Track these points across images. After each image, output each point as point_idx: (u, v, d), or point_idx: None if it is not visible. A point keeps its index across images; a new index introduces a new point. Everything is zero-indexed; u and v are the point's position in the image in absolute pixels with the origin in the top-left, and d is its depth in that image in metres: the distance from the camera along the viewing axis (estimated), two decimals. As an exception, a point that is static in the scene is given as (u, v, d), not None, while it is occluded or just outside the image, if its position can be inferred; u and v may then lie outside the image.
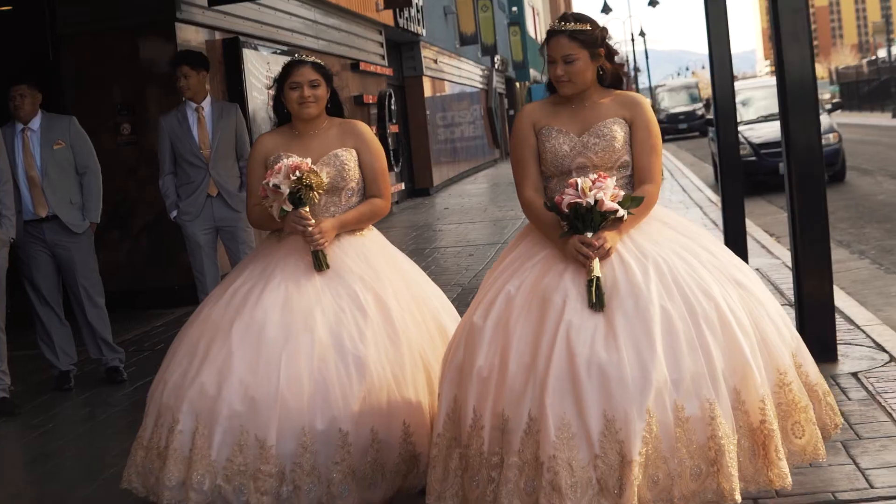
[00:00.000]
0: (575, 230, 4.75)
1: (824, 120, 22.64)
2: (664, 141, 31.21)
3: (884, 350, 7.40)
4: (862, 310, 8.91)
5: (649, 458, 4.29)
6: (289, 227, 5.40)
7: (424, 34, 28.14)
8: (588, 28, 5.05)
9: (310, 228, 5.33)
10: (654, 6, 54.54)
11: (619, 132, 5.02)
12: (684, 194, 21.74)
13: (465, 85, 37.92)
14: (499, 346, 4.67)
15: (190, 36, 13.05)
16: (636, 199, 4.83)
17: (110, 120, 12.48)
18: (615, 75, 5.17)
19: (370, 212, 5.65)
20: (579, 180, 4.76)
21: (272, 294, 5.23)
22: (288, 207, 5.33)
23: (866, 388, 6.54)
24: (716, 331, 4.50)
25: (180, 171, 8.88)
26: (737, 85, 23.76)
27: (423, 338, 5.33)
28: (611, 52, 5.11)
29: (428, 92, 29.54)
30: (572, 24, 5.08)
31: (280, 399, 4.94)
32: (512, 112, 52.60)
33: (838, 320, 8.16)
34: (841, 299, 9.24)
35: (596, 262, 4.64)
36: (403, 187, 25.50)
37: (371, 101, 22.18)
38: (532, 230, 5.10)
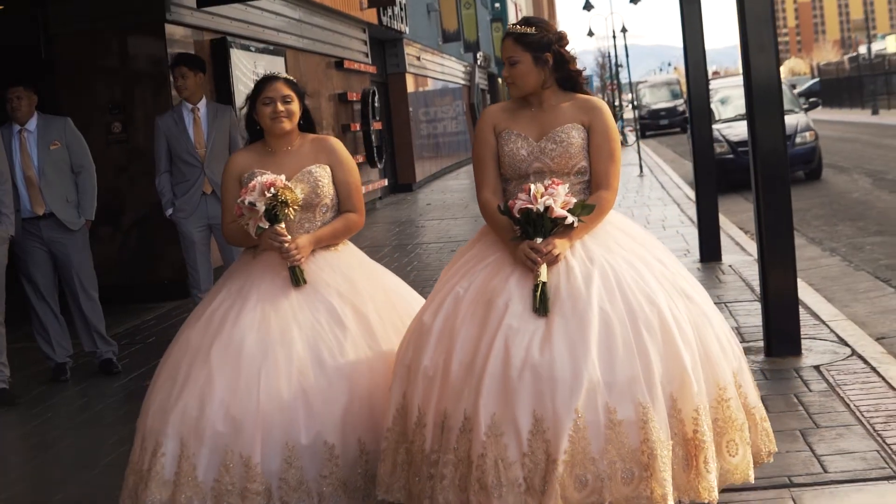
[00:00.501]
0: (526, 235, 4.81)
1: (801, 119, 23.09)
2: (644, 137, 31.77)
3: (846, 345, 7.74)
4: (828, 305, 9.25)
5: (576, 458, 4.32)
6: (265, 244, 5.41)
7: (408, 32, 28.42)
8: (532, 31, 5.09)
9: (286, 245, 5.34)
10: (635, 3, 54.52)
11: (576, 137, 5.04)
12: (663, 191, 22.08)
13: (447, 81, 38.20)
14: (444, 346, 4.73)
15: (179, 36, 13.33)
16: (587, 206, 4.86)
17: (101, 118, 12.74)
18: (572, 80, 5.17)
19: (345, 227, 5.66)
20: (532, 186, 4.84)
21: (249, 314, 5.22)
22: (264, 224, 5.33)
23: (827, 381, 6.88)
24: (656, 337, 4.53)
25: (175, 169, 9.16)
26: (715, 84, 24.17)
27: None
28: (564, 57, 5.11)
29: (411, 88, 29.82)
30: (520, 27, 5.15)
31: (261, 415, 4.94)
32: None
33: (805, 316, 8.54)
34: (809, 295, 9.60)
35: (543, 268, 4.71)
36: (386, 183, 25.78)
37: (355, 99, 22.45)
38: (489, 231, 5.15)
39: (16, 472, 6.91)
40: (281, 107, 5.53)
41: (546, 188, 4.80)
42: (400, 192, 27.77)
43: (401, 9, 26.83)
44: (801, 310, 8.64)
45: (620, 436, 4.35)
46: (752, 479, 4.70)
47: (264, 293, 5.30)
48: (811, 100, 29.30)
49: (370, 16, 23.75)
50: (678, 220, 16.71)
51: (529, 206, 4.78)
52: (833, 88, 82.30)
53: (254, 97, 5.64)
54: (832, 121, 55.90)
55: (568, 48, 5.16)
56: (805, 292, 9.74)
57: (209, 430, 4.94)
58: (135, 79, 13.09)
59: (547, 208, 4.75)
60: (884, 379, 6.84)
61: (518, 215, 4.82)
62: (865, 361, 7.28)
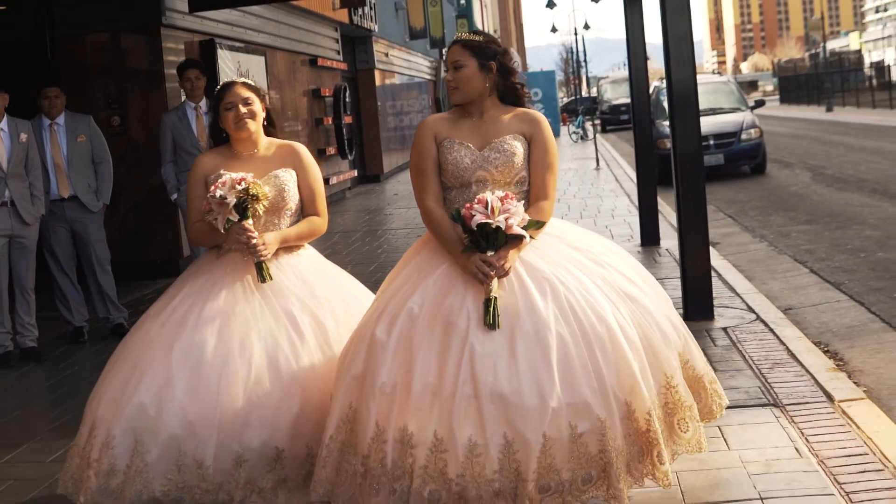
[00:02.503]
0: (477, 247, 4.89)
1: (747, 116, 24.38)
2: (605, 132, 33.22)
3: (753, 312, 9.16)
4: (745, 282, 10.68)
5: (542, 473, 4.58)
6: (232, 240, 5.49)
7: (376, 29, 29.52)
8: (479, 39, 5.25)
9: (253, 240, 5.41)
10: (596, 2, 55.99)
11: (518, 148, 5.16)
12: (616, 183, 23.38)
13: (414, 76, 39.20)
14: (402, 363, 4.78)
15: (172, 38, 14.50)
16: (539, 223, 5.02)
17: (101, 113, 13.75)
18: (513, 92, 5.31)
19: (309, 229, 5.73)
20: (489, 198, 4.88)
21: (211, 317, 5.31)
22: (234, 217, 5.38)
23: (730, 338, 8.29)
24: (607, 352, 4.72)
25: (179, 159, 10.42)
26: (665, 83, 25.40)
27: None
28: (507, 70, 5.25)
29: (379, 83, 30.88)
30: (468, 34, 5.31)
31: (217, 422, 5.04)
32: None
33: (724, 289, 10.05)
34: (730, 273, 11.09)
35: (494, 282, 4.80)
36: (356, 174, 26.95)
37: (328, 94, 23.60)
38: (429, 240, 5.22)
39: (47, 414, 8.04)
40: (243, 109, 5.63)
41: (503, 202, 4.87)
42: (368, 183, 28.90)
43: (370, 8, 27.92)
44: (721, 284, 10.18)
45: (581, 447, 4.61)
46: (705, 449, 5.11)
47: (226, 295, 5.40)
48: (757, 99, 30.70)
49: (342, 15, 24.94)
50: (627, 209, 18.04)
51: (488, 220, 4.84)
52: (791, 85, 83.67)
53: (216, 105, 5.74)
54: (787, 117, 57.29)
55: (512, 64, 5.35)
56: (727, 271, 11.26)
57: (165, 431, 5.05)
58: (132, 77, 14.24)
59: (506, 225, 4.84)
60: (778, 337, 8.23)
61: (474, 227, 4.87)
62: (766, 325, 8.68)
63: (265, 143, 5.78)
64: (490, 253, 4.85)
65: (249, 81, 5.82)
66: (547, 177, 5.19)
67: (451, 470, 4.58)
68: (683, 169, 8.76)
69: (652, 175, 13.49)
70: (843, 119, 49.60)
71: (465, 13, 54.24)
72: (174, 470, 5.02)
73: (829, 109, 59.93)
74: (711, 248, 10.07)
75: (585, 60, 45.86)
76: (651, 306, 5.07)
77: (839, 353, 8.21)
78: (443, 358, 4.73)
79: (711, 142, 23.24)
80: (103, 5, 13.93)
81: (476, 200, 4.89)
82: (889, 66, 64.26)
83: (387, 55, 32.49)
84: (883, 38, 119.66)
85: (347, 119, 24.81)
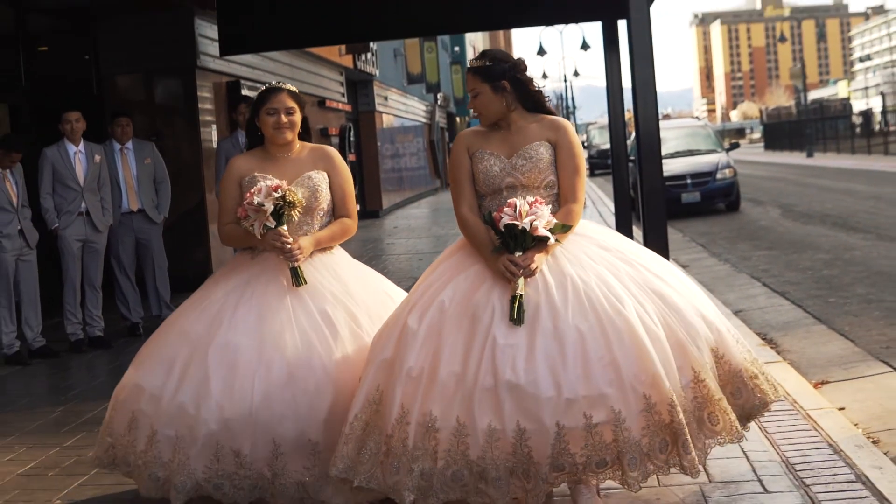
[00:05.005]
0: (506, 247, 5.06)
1: (722, 157, 26.14)
2: (594, 175, 35.10)
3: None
4: (706, 293, 12.42)
5: (555, 456, 4.73)
6: (268, 245, 5.60)
7: (377, 74, 31.33)
8: (486, 63, 5.36)
9: (288, 245, 5.53)
10: (585, 49, 57.98)
11: (544, 154, 5.28)
12: (601, 219, 24.99)
13: (410, 119, 40.87)
14: (430, 351, 4.94)
15: (205, 79, 16.23)
16: (565, 227, 5.14)
17: (142, 143, 15.59)
18: (534, 100, 5.41)
19: (341, 230, 5.83)
20: (518, 202, 5.07)
21: (246, 316, 5.43)
22: (271, 224, 5.52)
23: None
24: (625, 345, 4.78)
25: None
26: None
27: None
28: (521, 81, 5.37)
29: (379, 125, 32.59)
30: (477, 62, 5.41)
31: (253, 417, 5.17)
32: (452, 145, 55.40)
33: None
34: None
35: (521, 281, 4.95)
36: (358, 208, 28.51)
37: (334, 133, 25.37)
38: (465, 244, 5.36)
39: (109, 391, 9.62)
40: (284, 118, 5.73)
41: (531, 206, 5.06)
42: (368, 218, 30.35)
43: (372, 54, 29.70)
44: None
45: (595, 436, 4.72)
46: (741, 436, 5.08)
47: (261, 294, 5.53)
48: (732, 142, 32.57)
49: (347, 60, 26.78)
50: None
51: (515, 221, 5.02)
52: (776, 132, 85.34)
53: (258, 105, 5.81)
54: (769, 162, 59.14)
55: (527, 73, 5.45)
56: (690, 282, 12.98)
57: (203, 428, 5.20)
58: (170, 111, 16.00)
59: (532, 227, 5.01)
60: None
61: (502, 228, 5.06)
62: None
63: (298, 146, 5.91)
64: (518, 253, 5.03)
65: (294, 90, 5.91)
66: (574, 180, 5.31)
67: (473, 452, 4.74)
68: (648, 205, 9.09)
69: (627, 212, 14.21)
70: (822, 164, 51.45)
71: (459, 60, 55.62)
72: (213, 460, 5.19)
73: (809, 155, 61.55)
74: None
75: (575, 107, 47.38)
76: (680, 302, 5.10)
77: (774, 340, 9.98)
78: (468, 349, 4.88)
79: (689, 181, 25.29)
80: (145, 49, 15.62)
81: (507, 204, 5.12)
82: (874, 112, 66.22)
83: (386, 99, 34.14)
84: (867, 88, 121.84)
85: (352, 157, 26.49)
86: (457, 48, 56.09)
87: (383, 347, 5.13)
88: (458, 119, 59.11)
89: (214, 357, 5.32)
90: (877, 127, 61.76)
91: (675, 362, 4.88)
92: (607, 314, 4.87)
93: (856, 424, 6.83)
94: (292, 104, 5.78)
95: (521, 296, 4.90)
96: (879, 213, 21.95)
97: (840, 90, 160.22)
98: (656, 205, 9.03)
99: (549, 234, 5.02)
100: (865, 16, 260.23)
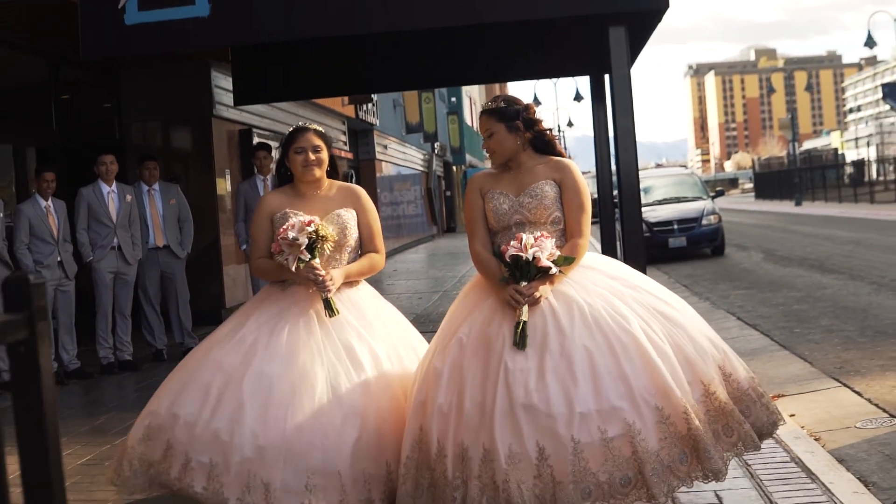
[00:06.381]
0: (513, 277, 5.25)
1: (708, 204, 27.18)
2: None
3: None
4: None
5: (578, 476, 4.75)
6: (302, 277, 5.72)
7: (378, 123, 32.33)
8: (501, 105, 5.60)
9: (321, 277, 5.65)
10: (578, 101, 59.25)
11: (549, 192, 5.48)
12: (591, 261, 26.16)
13: (409, 168, 41.86)
14: (455, 386, 5.10)
15: (219, 127, 17.31)
16: (568, 259, 5.31)
17: (161, 187, 16.65)
18: (543, 140, 5.64)
19: (370, 265, 5.97)
20: (525, 236, 5.29)
21: (279, 348, 5.52)
22: (305, 257, 5.65)
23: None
24: (633, 360, 4.91)
25: (249, 220, 12.87)
26: (639, 175, 28.03)
27: (406, 384, 5.57)
28: (532, 121, 5.60)
29: (379, 173, 33.61)
30: (491, 104, 5.63)
31: (285, 446, 5.23)
32: (448, 193, 55.81)
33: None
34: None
35: (525, 308, 5.11)
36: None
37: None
38: (480, 281, 5.58)
39: (138, 410, 10.68)
40: (312, 156, 5.88)
41: (536, 240, 5.27)
42: (367, 262, 31.49)
43: (373, 104, 30.75)
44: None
45: (614, 451, 4.78)
46: (758, 447, 5.20)
47: (292, 329, 5.62)
48: (717, 189, 33.70)
49: (349, 110, 27.85)
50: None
51: (520, 253, 5.23)
52: (766, 182, 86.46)
53: (287, 145, 5.97)
54: (757, 210, 60.29)
55: (536, 115, 5.67)
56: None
57: (237, 455, 5.26)
58: (187, 156, 17.07)
59: (535, 258, 5.21)
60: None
61: (508, 259, 5.27)
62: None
63: (327, 185, 6.02)
64: (523, 283, 5.22)
65: (320, 129, 6.06)
66: (579, 217, 5.50)
67: (498, 477, 4.81)
68: (627, 248, 9.39)
69: (613, 254, 14.18)
70: (809, 212, 52.68)
71: (456, 110, 56.67)
72: (244, 491, 5.23)
73: (797, 204, 62.81)
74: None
75: (570, 156, 48.07)
76: (685, 322, 5.28)
77: (741, 363, 11.04)
78: (485, 377, 5.03)
79: (675, 226, 26.38)
80: (164, 98, 16.73)
81: (514, 238, 5.38)
82: (868, 162, 67.53)
83: (385, 147, 35.18)
84: (857, 139, 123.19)
85: (354, 203, 27.36)
86: (453, 99, 56.97)
87: (418, 391, 5.31)
88: (454, 168, 59.84)
89: (249, 386, 5.42)
90: (873, 177, 62.83)
91: (684, 377, 4.99)
92: (613, 332, 5.01)
93: (803, 427, 7.89)
94: (319, 142, 5.94)
95: (524, 322, 5.08)
96: (855, 256, 23.04)
97: (833, 140, 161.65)
98: (636, 243, 9.40)
99: (551, 264, 5.22)
100: (858, 66, 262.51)
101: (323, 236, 5.66)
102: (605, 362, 4.92)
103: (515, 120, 5.55)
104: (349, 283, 5.87)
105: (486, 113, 5.64)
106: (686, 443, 4.87)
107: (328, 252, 5.76)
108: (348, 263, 5.90)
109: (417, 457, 5.19)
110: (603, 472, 4.77)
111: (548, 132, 5.68)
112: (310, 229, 5.64)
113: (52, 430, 2.27)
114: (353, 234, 5.90)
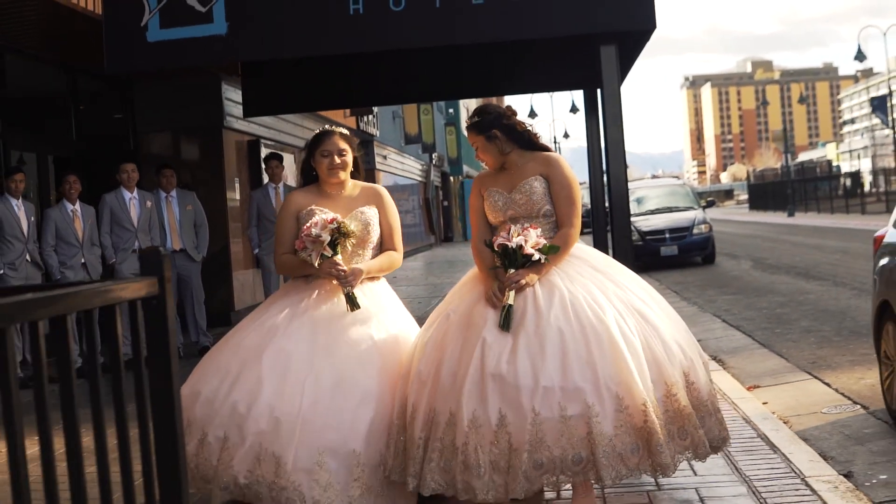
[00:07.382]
0: (503, 265, 5.54)
1: (699, 214, 27.92)
2: (584, 233, 35.59)
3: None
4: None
5: (533, 445, 4.99)
6: (324, 272, 5.83)
7: (378, 134, 32.99)
8: (476, 119, 5.87)
9: (343, 272, 5.77)
10: (574, 112, 60.07)
11: (538, 187, 5.72)
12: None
13: (407, 178, 42.53)
14: (435, 357, 5.40)
15: (229, 138, 18.01)
16: (553, 248, 5.53)
17: (173, 194, 17.34)
18: (524, 138, 5.86)
19: (389, 262, 6.10)
20: (512, 227, 5.61)
21: (300, 328, 5.67)
22: (328, 253, 5.75)
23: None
24: (603, 348, 5.13)
25: (261, 226, 13.88)
26: (633, 185, 28.87)
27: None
28: (511, 125, 5.83)
29: (378, 183, 33.98)
30: (469, 119, 5.92)
31: (301, 420, 5.33)
32: (446, 203, 56.43)
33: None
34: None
35: (511, 293, 5.38)
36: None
37: (338, 189, 26.98)
38: (477, 273, 5.87)
39: None
40: (337, 159, 5.98)
41: (522, 230, 5.54)
42: (368, 269, 32.15)
43: (373, 116, 31.45)
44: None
45: (571, 428, 5.00)
46: (708, 454, 5.47)
47: (315, 311, 5.78)
48: (708, 200, 34.46)
49: (350, 122, 28.48)
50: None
51: (507, 242, 5.52)
52: (760, 193, 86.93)
53: (313, 147, 6.08)
54: (750, 221, 60.92)
55: (515, 117, 5.90)
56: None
57: (252, 426, 5.35)
58: (198, 165, 17.75)
59: (520, 246, 5.47)
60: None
61: (497, 249, 5.58)
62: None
63: (350, 185, 6.15)
64: (511, 270, 5.52)
65: (346, 132, 6.19)
66: (568, 209, 5.75)
67: (458, 440, 5.07)
68: (619, 251, 9.25)
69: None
70: (800, 223, 53.39)
71: (453, 121, 57.36)
72: (255, 464, 5.32)
73: (790, 214, 63.42)
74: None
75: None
76: (659, 324, 5.49)
77: (722, 359, 11.79)
78: (463, 350, 5.32)
79: (667, 235, 27.13)
80: (176, 109, 17.42)
81: (503, 229, 5.74)
82: (861, 174, 68.11)
83: (385, 157, 35.88)
84: (851, 151, 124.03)
85: (356, 211, 27.98)
86: (451, 110, 57.67)
87: (407, 363, 5.65)
88: (451, 178, 60.36)
89: (268, 361, 5.52)
90: (867, 188, 63.36)
91: (649, 375, 5.21)
92: (588, 320, 5.24)
93: (773, 412, 8.65)
94: (344, 146, 6.05)
95: (510, 306, 5.37)
96: (840, 265, 23.77)
97: (829, 152, 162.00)
98: (625, 250, 9.36)
99: (536, 252, 5.49)
100: (855, 78, 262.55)
101: (344, 233, 5.79)
102: (576, 347, 5.16)
103: (491, 129, 5.81)
104: (370, 278, 6.04)
105: (468, 129, 5.99)
106: (640, 435, 5.09)
107: (350, 248, 5.89)
108: (371, 259, 6.07)
109: (398, 423, 5.46)
110: (557, 446, 5.02)
111: (527, 131, 5.91)
112: (332, 226, 5.77)
113: (175, 369, 3.02)
114: (375, 231, 6.06)
